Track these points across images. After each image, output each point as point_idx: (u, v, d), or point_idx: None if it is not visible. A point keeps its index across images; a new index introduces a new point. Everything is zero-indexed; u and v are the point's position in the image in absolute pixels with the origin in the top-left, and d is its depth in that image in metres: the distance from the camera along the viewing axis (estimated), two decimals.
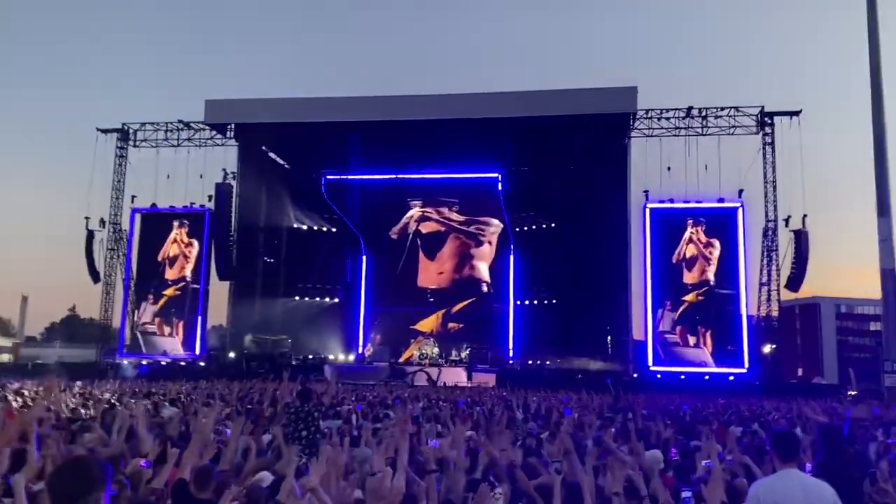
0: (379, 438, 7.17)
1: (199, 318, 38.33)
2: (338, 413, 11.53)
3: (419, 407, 13.48)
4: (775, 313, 35.51)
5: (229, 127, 39.90)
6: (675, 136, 36.64)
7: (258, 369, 33.73)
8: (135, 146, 40.21)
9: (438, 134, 38.11)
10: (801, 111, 34.95)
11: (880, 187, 28.34)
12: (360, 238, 43.80)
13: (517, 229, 42.40)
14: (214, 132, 40.02)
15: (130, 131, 40.19)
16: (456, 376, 33.84)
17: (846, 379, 42.85)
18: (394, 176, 41.94)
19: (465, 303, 42.83)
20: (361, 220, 43.47)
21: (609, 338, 38.23)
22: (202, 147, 39.83)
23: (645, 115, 36.94)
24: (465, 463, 5.31)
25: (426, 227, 44.40)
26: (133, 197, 39.32)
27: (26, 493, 3.42)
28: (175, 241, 38.71)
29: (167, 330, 38.28)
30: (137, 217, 39.59)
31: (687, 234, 35.39)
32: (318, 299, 43.76)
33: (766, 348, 35.83)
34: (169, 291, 38.44)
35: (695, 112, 36.50)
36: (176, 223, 38.81)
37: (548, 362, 38.74)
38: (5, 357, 59.80)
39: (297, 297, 43.19)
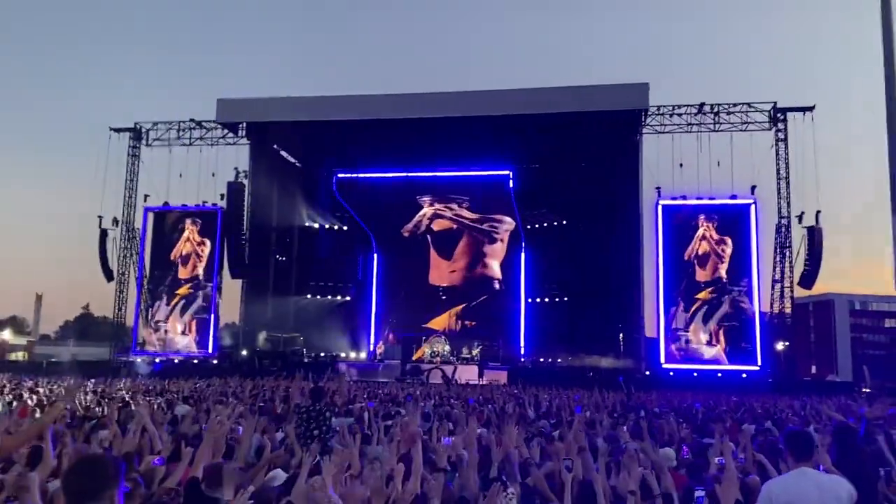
0: (391, 436, 7.18)
1: (212, 316, 38.45)
2: (350, 411, 11.54)
3: (430, 405, 13.47)
4: (788, 310, 35.17)
5: (241, 126, 39.94)
6: (687, 132, 36.26)
7: (270, 367, 33.96)
8: (147, 145, 40.33)
9: (450, 131, 38.00)
10: (814, 107, 34.53)
11: (894, 184, 28.02)
12: (371, 236, 43.90)
13: (528, 227, 42.39)
14: (226, 131, 40.09)
15: (143, 130, 40.31)
16: (469, 374, 33.85)
17: (860, 376, 42.65)
18: (405, 174, 42.03)
19: (478, 301, 42.84)
20: (373, 218, 43.42)
21: (621, 335, 38.00)
22: (214, 146, 39.92)
23: (657, 112, 36.64)
24: (478, 460, 5.30)
25: (438, 225, 44.40)
26: (146, 196, 39.41)
27: (41, 491, 3.45)
28: (188, 239, 38.84)
29: (180, 328, 38.49)
30: (150, 216, 39.69)
31: (699, 231, 35.13)
32: (329, 297, 43.86)
33: (780, 346, 35.55)
34: (182, 290, 38.59)
35: (707, 108, 36.17)
36: (188, 222, 38.94)
37: (559, 360, 38.70)
38: (20, 355, 60.27)
39: (308, 296, 43.33)
